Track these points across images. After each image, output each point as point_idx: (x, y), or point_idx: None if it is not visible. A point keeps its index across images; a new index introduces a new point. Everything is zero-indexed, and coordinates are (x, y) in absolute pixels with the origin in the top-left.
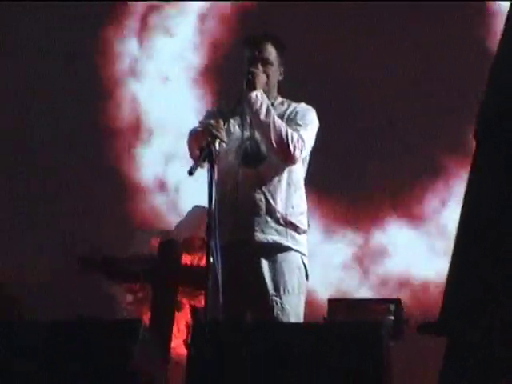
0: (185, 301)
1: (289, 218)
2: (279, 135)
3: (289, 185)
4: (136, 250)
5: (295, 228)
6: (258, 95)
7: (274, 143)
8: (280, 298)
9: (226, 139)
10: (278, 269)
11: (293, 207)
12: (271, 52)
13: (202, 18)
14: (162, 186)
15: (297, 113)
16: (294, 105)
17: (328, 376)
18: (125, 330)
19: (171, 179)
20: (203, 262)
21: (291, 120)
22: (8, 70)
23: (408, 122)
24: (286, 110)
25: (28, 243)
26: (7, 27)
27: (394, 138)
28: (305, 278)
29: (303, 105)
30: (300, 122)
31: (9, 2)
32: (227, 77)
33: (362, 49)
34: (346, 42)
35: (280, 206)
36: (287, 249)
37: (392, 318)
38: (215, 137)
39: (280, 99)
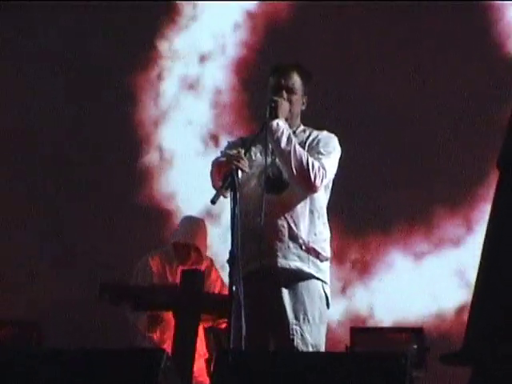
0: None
1: (311, 244)
2: (300, 164)
3: (311, 212)
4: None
5: (317, 255)
6: (279, 123)
7: (294, 172)
8: (300, 327)
9: (247, 169)
10: (299, 297)
11: (315, 234)
12: (296, 80)
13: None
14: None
15: (319, 141)
16: (315, 132)
17: None
18: (148, 359)
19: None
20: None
21: (313, 148)
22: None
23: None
24: (308, 137)
25: (48, 270)
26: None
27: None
28: (326, 307)
29: (325, 133)
30: (322, 150)
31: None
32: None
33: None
34: (368, 65)
35: (303, 233)
36: (309, 276)
37: (415, 346)
38: (237, 167)
39: (302, 127)
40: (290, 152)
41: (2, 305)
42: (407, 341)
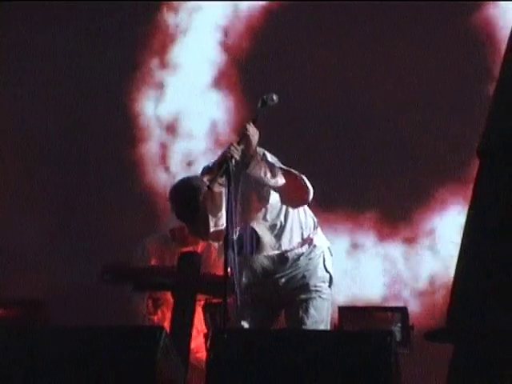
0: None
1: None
2: (299, 182)
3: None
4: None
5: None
6: (256, 169)
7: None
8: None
9: (238, 157)
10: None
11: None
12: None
13: None
14: None
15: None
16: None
17: (338, 379)
18: (148, 337)
19: None
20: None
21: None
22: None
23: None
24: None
25: (58, 253)
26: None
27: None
28: (328, 284)
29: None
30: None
31: None
32: None
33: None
34: (351, 61)
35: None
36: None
37: (399, 325)
38: (231, 155)
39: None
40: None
41: (15, 285)
42: (392, 319)
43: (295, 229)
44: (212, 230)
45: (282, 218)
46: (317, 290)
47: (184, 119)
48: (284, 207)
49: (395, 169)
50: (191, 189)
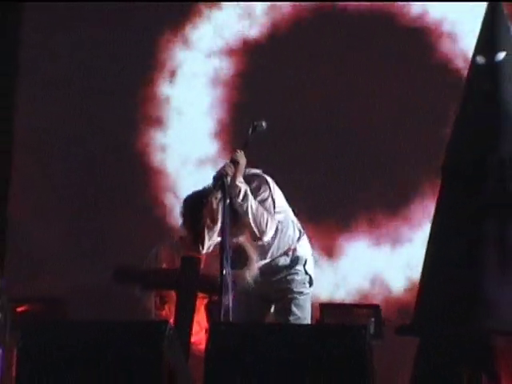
0: (199, 304)
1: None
2: (259, 224)
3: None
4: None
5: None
6: (241, 189)
7: (254, 227)
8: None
9: (231, 173)
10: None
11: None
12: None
13: None
14: None
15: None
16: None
17: (320, 370)
18: (155, 329)
19: None
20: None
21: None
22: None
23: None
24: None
25: (74, 256)
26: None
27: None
28: (308, 284)
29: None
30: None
31: None
32: None
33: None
34: (336, 85)
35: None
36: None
37: (373, 320)
38: (226, 172)
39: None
40: (251, 211)
41: (34, 281)
42: (367, 315)
43: (282, 243)
44: (207, 244)
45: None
46: (299, 292)
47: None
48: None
49: (377, 179)
50: (197, 201)
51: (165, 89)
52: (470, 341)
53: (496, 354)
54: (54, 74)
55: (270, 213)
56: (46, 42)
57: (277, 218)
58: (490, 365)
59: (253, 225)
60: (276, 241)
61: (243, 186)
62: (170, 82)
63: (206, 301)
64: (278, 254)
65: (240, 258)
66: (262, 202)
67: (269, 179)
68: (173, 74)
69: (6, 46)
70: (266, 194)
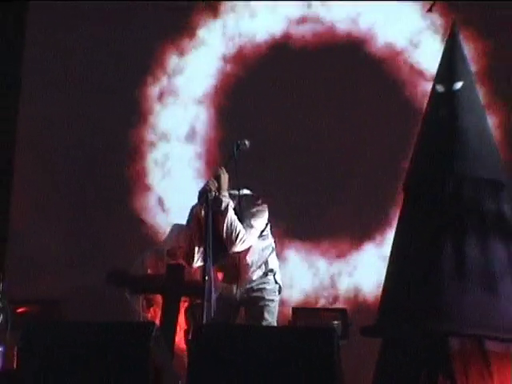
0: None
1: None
2: (230, 234)
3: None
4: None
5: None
6: (223, 201)
7: (224, 236)
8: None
9: (214, 189)
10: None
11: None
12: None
13: None
14: None
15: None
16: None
17: (293, 366)
18: (143, 329)
19: None
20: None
21: (243, 215)
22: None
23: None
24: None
25: (70, 261)
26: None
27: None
28: (278, 293)
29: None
30: (249, 222)
31: None
32: None
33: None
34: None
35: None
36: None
37: (340, 322)
38: (209, 188)
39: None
40: (226, 223)
41: (33, 284)
42: (335, 318)
43: (260, 261)
44: (196, 258)
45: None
46: (269, 299)
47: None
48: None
49: (347, 198)
50: (189, 216)
51: (155, 105)
52: (428, 342)
53: (451, 355)
54: (58, 73)
55: (256, 235)
56: (49, 42)
57: (265, 242)
58: (445, 365)
59: (224, 235)
60: (257, 259)
61: (225, 200)
62: (160, 102)
63: (186, 304)
64: (256, 268)
65: (232, 274)
66: (253, 227)
67: (267, 209)
68: (161, 96)
69: (10, 45)
70: (264, 222)
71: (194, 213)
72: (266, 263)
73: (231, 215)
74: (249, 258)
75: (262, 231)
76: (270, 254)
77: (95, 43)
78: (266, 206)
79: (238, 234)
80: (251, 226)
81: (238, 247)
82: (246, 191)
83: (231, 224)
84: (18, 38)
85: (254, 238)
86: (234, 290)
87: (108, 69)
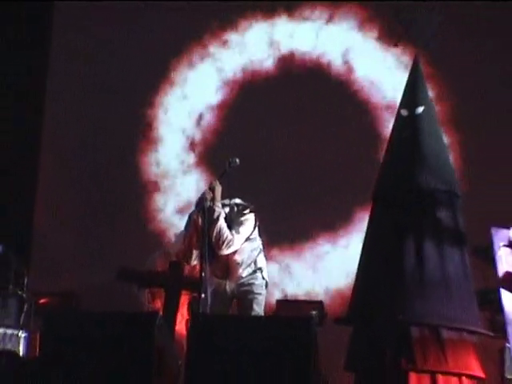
0: (183, 299)
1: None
2: (218, 239)
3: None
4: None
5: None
6: (216, 209)
7: (213, 239)
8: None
9: (209, 198)
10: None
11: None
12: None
13: None
14: None
15: (236, 216)
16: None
17: (277, 349)
18: (148, 318)
19: None
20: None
21: (233, 221)
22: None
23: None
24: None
25: (85, 259)
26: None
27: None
28: (264, 287)
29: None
30: (237, 228)
31: None
32: None
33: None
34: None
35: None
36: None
37: (317, 313)
38: (204, 197)
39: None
40: (216, 230)
41: (53, 279)
42: (313, 309)
43: (249, 260)
44: (193, 257)
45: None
46: (257, 293)
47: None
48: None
49: (323, 203)
50: (187, 221)
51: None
52: (392, 331)
53: (412, 341)
54: (81, 77)
55: (242, 240)
56: (73, 44)
57: (253, 244)
58: (407, 350)
59: (213, 240)
60: (246, 258)
61: (218, 210)
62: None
63: (188, 298)
64: (246, 266)
65: (224, 271)
66: (240, 233)
67: (254, 218)
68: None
69: (36, 48)
70: (250, 229)
71: (191, 219)
72: (254, 262)
73: (221, 223)
74: (239, 258)
75: (250, 235)
76: (258, 254)
77: (114, 47)
78: (252, 214)
79: (224, 240)
80: (238, 233)
81: (225, 251)
82: (237, 200)
83: (220, 231)
84: (43, 40)
85: (239, 243)
86: (227, 285)
87: (125, 73)
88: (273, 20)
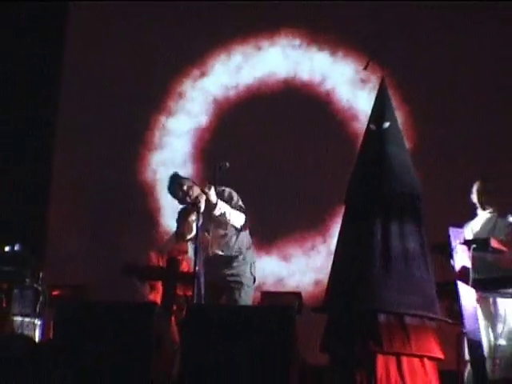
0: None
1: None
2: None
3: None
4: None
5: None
6: (218, 203)
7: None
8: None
9: (202, 206)
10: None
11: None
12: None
13: None
14: None
15: (230, 197)
16: (227, 190)
17: (261, 333)
18: (147, 308)
19: None
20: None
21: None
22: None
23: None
24: (223, 193)
25: (93, 256)
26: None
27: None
28: (252, 282)
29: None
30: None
31: None
32: None
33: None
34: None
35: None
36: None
37: (297, 303)
38: (199, 200)
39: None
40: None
41: (65, 273)
42: (293, 299)
43: (240, 243)
44: (187, 237)
45: (233, 239)
46: (246, 285)
47: None
48: (236, 234)
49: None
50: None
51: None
52: (362, 317)
53: (379, 327)
54: (96, 81)
55: (242, 208)
56: (87, 48)
57: (244, 239)
58: (375, 334)
59: (233, 223)
60: (237, 240)
61: (215, 200)
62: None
63: (183, 290)
64: (235, 250)
65: (215, 264)
66: (234, 204)
67: (234, 191)
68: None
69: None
70: (235, 198)
71: (182, 214)
72: (244, 257)
73: (226, 209)
74: (229, 252)
75: (241, 229)
76: (247, 249)
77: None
78: (231, 191)
79: (236, 217)
80: (239, 207)
81: (240, 224)
82: (223, 187)
83: (230, 214)
84: (57, 43)
85: (243, 215)
86: (218, 278)
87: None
88: (259, 45)
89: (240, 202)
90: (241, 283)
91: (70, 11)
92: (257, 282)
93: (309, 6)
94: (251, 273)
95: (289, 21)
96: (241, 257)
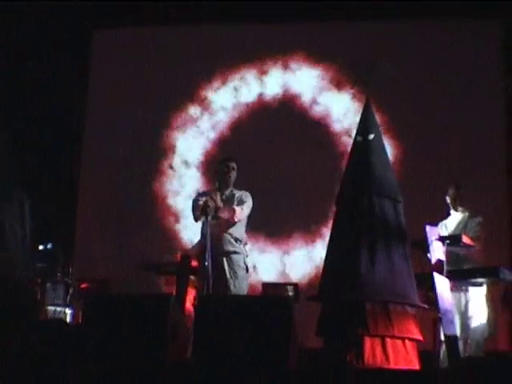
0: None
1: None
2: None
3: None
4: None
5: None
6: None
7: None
8: (233, 282)
9: (212, 212)
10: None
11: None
12: (235, 166)
13: None
14: None
15: (239, 197)
16: (238, 192)
17: (262, 320)
18: (163, 299)
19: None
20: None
21: (238, 201)
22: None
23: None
24: (234, 195)
25: (116, 254)
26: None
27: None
28: (245, 272)
29: (243, 191)
30: (241, 202)
31: None
32: None
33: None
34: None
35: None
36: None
37: (294, 292)
38: (208, 205)
39: (231, 190)
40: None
41: (91, 269)
42: (290, 289)
43: (233, 239)
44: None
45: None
46: (240, 276)
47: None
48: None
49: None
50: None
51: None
52: (350, 306)
53: (366, 313)
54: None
55: (249, 207)
56: (111, 69)
57: (241, 233)
58: (362, 320)
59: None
60: (233, 240)
61: (221, 205)
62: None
63: (194, 283)
64: (229, 248)
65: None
66: (243, 203)
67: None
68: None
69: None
70: (248, 199)
71: (198, 203)
72: (237, 252)
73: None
74: (225, 247)
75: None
76: (245, 244)
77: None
78: (248, 193)
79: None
80: (243, 206)
81: (236, 220)
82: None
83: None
84: (83, 61)
85: (247, 210)
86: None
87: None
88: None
89: (244, 199)
90: (235, 273)
91: (93, 39)
92: (259, 275)
93: (304, 31)
94: (245, 263)
95: (283, 44)
96: (236, 247)
